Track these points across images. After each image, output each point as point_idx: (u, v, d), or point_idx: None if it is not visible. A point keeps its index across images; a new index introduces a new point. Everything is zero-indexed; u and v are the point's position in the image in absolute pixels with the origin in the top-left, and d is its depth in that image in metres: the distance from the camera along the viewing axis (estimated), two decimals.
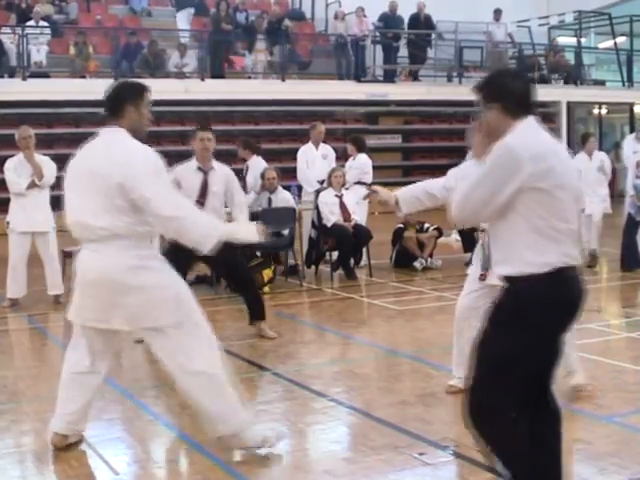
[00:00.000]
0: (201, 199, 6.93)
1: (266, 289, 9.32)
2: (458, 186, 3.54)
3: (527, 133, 3.39)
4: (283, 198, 10.01)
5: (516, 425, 3.41)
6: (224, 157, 11.01)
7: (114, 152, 4.25)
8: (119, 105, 4.37)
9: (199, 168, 7.15)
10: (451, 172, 5.07)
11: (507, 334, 3.36)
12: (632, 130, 11.63)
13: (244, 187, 10.38)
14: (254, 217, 8.50)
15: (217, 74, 17.39)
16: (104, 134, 4.41)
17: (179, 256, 6.36)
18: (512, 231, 3.39)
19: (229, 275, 7.72)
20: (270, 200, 9.96)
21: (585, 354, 6.22)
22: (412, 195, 4.86)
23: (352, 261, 10.49)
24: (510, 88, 3.48)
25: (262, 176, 10.04)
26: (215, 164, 7.22)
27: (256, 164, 10.41)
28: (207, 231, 4.30)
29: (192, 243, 4.33)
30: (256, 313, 7.29)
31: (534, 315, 3.35)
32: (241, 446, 4.55)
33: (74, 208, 4.32)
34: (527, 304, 3.36)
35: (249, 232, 4.67)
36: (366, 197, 4.90)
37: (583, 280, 3.52)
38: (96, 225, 4.20)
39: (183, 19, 19.60)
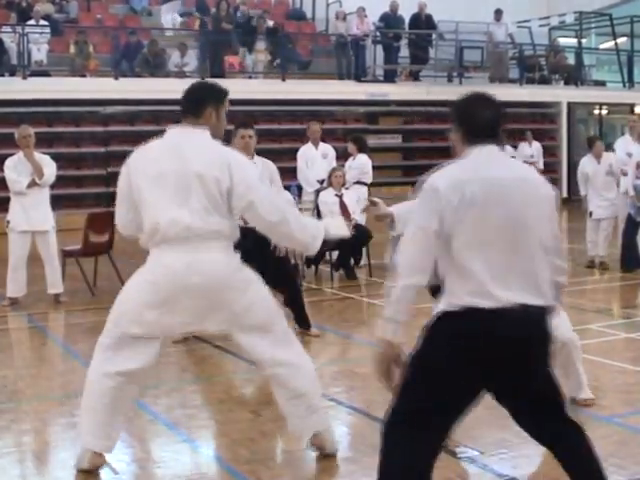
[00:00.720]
0: None
1: None
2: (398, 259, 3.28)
3: (466, 162, 3.28)
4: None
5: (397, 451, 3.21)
6: None
7: (215, 156, 4.10)
8: (200, 106, 4.20)
9: None
10: None
11: (416, 357, 3.25)
12: None
13: None
14: None
15: (217, 74, 17.38)
16: (187, 133, 4.19)
17: None
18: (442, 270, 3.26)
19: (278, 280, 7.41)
20: None
21: (585, 355, 6.21)
22: (410, 212, 4.80)
23: (352, 261, 10.49)
24: (474, 114, 3.33)
25: None
26: (257, 159, 7.00)
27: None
28: (313, 232, 4.25)
29: (300, 246, 4.44)
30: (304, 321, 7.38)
31: (431, 351, 3.20)
32: (321, 446, 4.46)
33: (164, 207, 4.03)
34: (429, 338, 3.24)
35: (339, 227, 4.56)
36: (364, 210, 4.83)
37: (504, 324, 3.12)
38: (201, 226, 4.02)
39: (168, 14, 19.34)
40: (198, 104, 4.20)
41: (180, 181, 4.02)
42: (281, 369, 4.26)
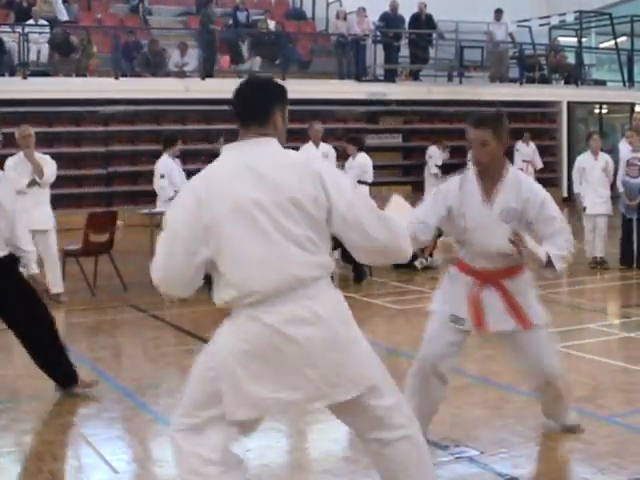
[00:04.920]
0: None
1: None
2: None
3: None
4: None
5: None
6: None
7: (304, 169, 3.10)
8: (267, 110, 3.18)
9: None
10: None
11: None
12: None
13: None
14: None
15: (212, 74, 17.39)
16: (255, 147, 3.13)
17: None
18: None
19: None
20: None
21: (585, 354, 6.23)
22: None
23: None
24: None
25: None
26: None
27: None
28: (405, 233, 3.32)
29: (400, 260, 3.35)
30: (69, 379, 5.76)
31: None
32: None
33: (260, 257, 3.01)
34: None
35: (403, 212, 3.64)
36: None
37: None
38: (309, 268, 3.06)
39: None
40: (265, 108, 3.19)
41: (273, 213, 3.02)
42: (413, 428, 3.27)
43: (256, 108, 3.19)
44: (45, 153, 9.27)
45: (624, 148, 11.17)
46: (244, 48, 18.20)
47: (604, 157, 10.93)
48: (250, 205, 3.01)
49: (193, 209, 3.05)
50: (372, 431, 3.21)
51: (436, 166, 17.13)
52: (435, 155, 17.39)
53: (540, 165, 17.84)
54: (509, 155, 16.48)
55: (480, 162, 4.25)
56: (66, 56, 16.56)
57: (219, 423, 3.12)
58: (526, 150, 17.87)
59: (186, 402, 3.24)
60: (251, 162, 3.08)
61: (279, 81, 3.34)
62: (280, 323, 3.01)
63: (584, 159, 11.03)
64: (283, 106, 3.25)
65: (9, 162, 8.93)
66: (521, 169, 12.78)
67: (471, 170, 4.36)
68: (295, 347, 3.02)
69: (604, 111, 22.18)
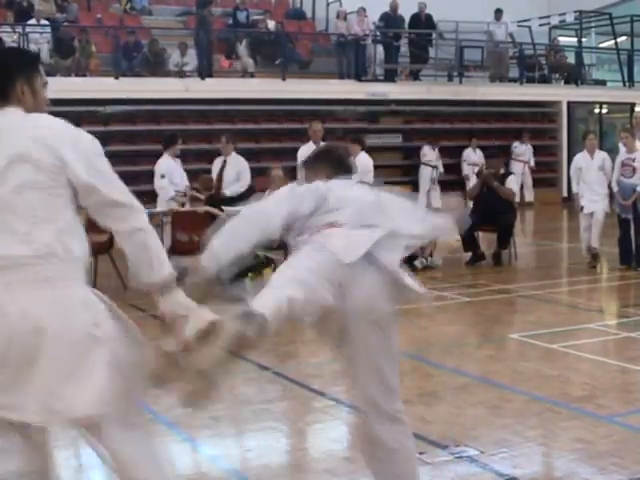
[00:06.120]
0: None
1: None
2: None
3: None
4: None
5: None
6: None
7: (50, 135, 2.77)
8: (5, 83, 2.82)
9: None
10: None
11: None
12: None
13: (220, 182, 10.56)
14: None
15: (211, 74, 17.40)
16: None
17: None
18: None
19: None
20: None
21: (585, 354, 6.23)
22: None
23: None
24: None
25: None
26: None
27: (236, 160, 10.80)
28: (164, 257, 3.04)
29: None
30: None
31: None
32: None
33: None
34: None
35: None
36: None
37: None
38: (17, 249, 2.82)
39: None
40: (2, 83, 2.82)
41: (14, 174, 2.71)
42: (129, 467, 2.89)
43: None
44: None
45: (623, 149, 11.23)
46: (241, 48, 18.19)
47: (601, 155, 10.99)
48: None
49: None
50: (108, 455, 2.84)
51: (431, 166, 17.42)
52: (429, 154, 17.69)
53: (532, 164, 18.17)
54: (506, 154, 16.95)
55: None
56: (66, 57, 16.59)
57: None
58: (522, 149, 17.98)
59: None
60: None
61: (24, 48, 2.94)
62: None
63: (580, 159, 11.08)
64: (29, 75, 2.86)
65: None
66: (512, 173, 13.00)
67: None
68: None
69: (604, 111, 22.17)
